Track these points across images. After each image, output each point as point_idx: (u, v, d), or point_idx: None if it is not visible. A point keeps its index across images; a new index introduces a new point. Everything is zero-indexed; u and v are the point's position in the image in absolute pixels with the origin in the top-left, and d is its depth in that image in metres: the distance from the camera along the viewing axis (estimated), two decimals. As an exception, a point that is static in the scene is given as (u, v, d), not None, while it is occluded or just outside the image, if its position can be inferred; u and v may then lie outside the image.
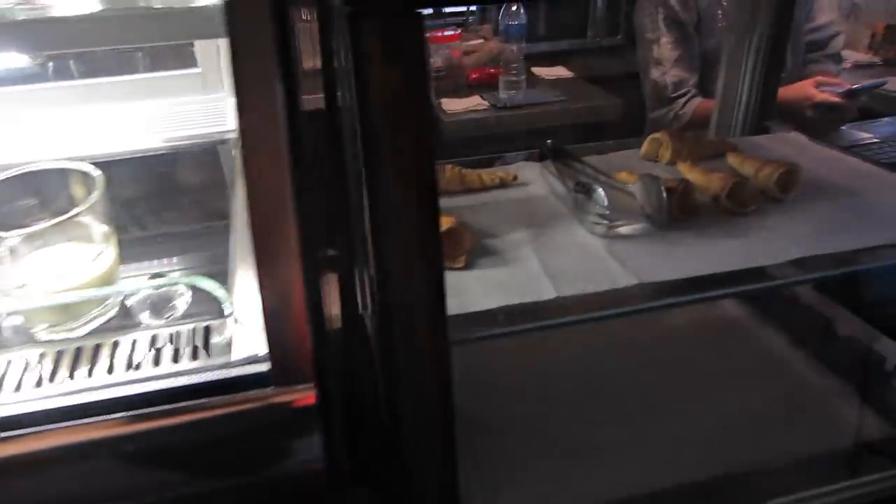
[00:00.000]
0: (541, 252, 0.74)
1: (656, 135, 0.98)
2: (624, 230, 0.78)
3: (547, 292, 0.66)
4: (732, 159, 0.94)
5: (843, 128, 1.45)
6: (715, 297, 0.67)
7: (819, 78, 1.32)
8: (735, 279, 0.68)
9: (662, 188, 0.76)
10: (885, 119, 1.47)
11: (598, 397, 0.90)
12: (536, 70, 2.62)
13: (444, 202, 0.87)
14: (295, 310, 0.44)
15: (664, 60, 1.42)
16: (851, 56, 2.32)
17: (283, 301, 0.44)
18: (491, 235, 0.79)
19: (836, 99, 1.28)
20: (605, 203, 0.77)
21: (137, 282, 0.65)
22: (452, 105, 2.25)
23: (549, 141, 1.00)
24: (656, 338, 0.96)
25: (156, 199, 0.94)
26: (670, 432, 0.85)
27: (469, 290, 0.67)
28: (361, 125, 0.50)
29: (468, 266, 0.72)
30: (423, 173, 0.53)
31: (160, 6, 0.58)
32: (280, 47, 0.45)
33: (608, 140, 2.30)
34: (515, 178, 0.92)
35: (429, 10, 0.53)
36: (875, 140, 1.27)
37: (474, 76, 2.46)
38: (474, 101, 2.27)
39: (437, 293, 0.55)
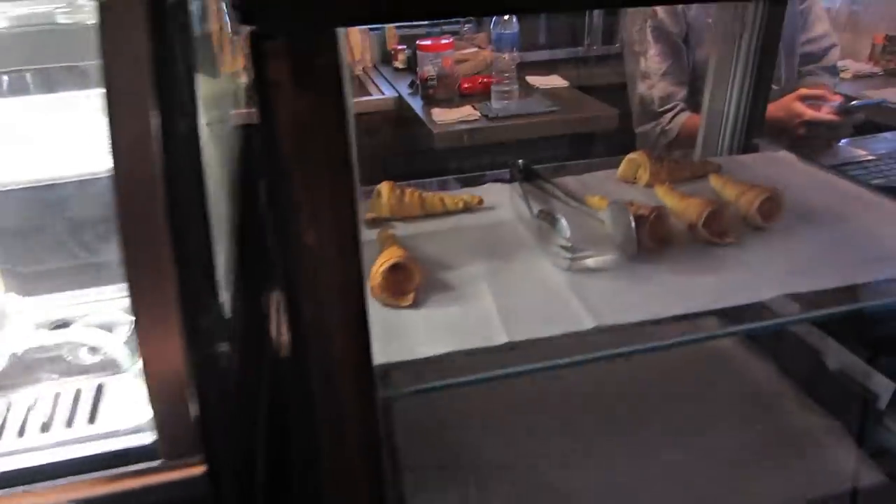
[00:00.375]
0: (498, 288, 0.68)
1: (634, 155, 0.92)
2: (591, 262, 0.72)
3: (498, 336, 0.60)
4: (715, 182, 0.88)
5: (843, 142, 1.38)
6: (678, 343, 0.61)
7: (803, 91, 1.26)
8: (701, 324, 0.62)
9: (631, 217, 0.70)
10: (885, 135, 1.40)
11: (569, 439, 0.84)
12: (531, 79, 2.57)
13: (401, 228, 0.83)
14: (177, 368, 0.39)
15: (651, 73, 1.37)
16: (852, 66, 2.26)
17: (164, 358, 0.39)
18: (447, 267, 0.73)
19: (827, 116, 1.21)
20: (568, 234, 0.72)
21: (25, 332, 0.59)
22: (443, 115, 2.20)
23: (519, 161, 0.94)
24: (632, 371, 0.90)
25: (103, 224, 0.89)
26: (649, 475, 0.79)
27: (413, 333, 0.62)
28: (269, 161, 0.45)
29: (416, 304, 0.66)
30: (342, 213, 0.47)
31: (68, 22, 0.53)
32: (157, 75, 0.40)
33: (601, 152, 2.25)
34: (481, 201, 0.86)
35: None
36: (871, 158, 1.21)
37: (467, 86, 2.41)
38: (466, 112, 2.22)
39: (362, 346, 0.50)
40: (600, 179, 0.95)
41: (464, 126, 2.16)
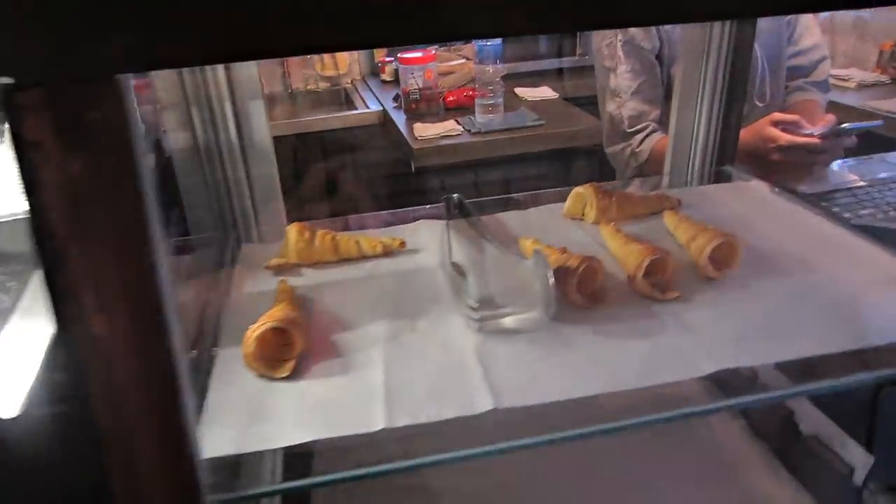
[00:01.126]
0: (395, 355, 0.59)
1: (580, 189, 0.82)
2: (507, 322, 0.63)
3: (375, 421, 0.51)
4: (669, 221, 0.78)
5: (837, 164, 1.26)
6: (587, 434, 0.52)
7: (776, 115, 1.14)
8: (618, 411, 0.52)
9: (549, 271, 0.60)
10: (889, 156, 1.27)
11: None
12: (520, 91, 2.48)
13: (310, 276, 0.74)
14: None
15: (621, 91, 1.26)
16: (857, 75, 2.14)
17: None
18: (344, 326, 0.64)
19: (803, 140, 1.10)
20: (474, 292, 0.62)
21: None
22: (424, 130, 2.11)
23: (455, 195, 0.85)
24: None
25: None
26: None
27: (279, 415, 0.52)
28: (35, 236, 0.36)
29: (295, 376, 0.57)
30: (138, 293, 0.38)
31: None
32: None
33: (588, 169, 2.13)
34: (402, 244, 0.77)
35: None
36: (862, 184, 1.09)
37: (451, 99, 2.32)
38: (448, 126, 2.13)
39: (176, 447, 0.41)
40: (546, 215, 0.85)
41: (445, 142, 2.07)
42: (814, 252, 0.72)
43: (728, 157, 0.99)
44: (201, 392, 0.57)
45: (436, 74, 2.28)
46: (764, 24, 1.28)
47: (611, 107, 1.31)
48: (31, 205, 0.36)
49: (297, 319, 0.59)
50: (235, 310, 0.68)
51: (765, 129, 1.13)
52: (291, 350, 0.58)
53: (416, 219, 0.85)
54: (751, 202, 0.86)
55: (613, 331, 0.61)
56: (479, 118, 2.15)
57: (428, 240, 0.79)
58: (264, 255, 0.77)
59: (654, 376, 0.54)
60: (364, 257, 0.76)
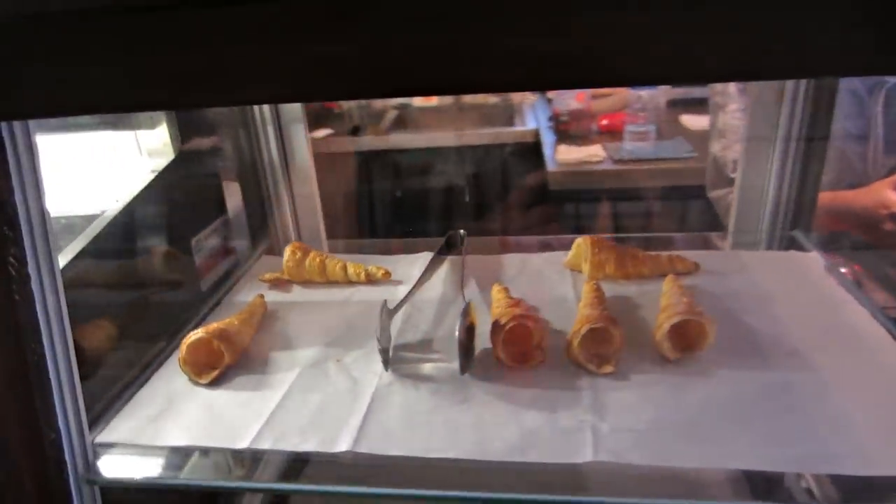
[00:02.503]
0: (304, 382, 0.62)
1: (579, 240, 0.77)
2: (425, 368, 0.62)
3: (242, 440, 0.54)
4: (665, 286, 0.70)
5: None
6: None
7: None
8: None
9: (459, 321, 0.59)
10: None
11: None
12: (686, 118, 2.31)
13: (296, 293, 0.79)
14: None
15: (728, 132, 1.13)
16: None
17: None
18: (286, 346, 0.68)
19: None
20: (386, 334, 0.63)
21: None
22: (567, 153, 2.07)
23: (460, 231, 0.85)
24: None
25: None
26: None
27: (178, 417, 0.58)
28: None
29: (216, 383, 0.63)
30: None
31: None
32: None
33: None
34: (387, 274, 0.79)
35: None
36: None
37: (605, 123, 2.24)
38: (591, 151, 2.06)
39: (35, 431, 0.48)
40: (546, 263, 0.81)
41: (584, 168, 2.01)
42: (820, 350, 0.60)
43: (802, 220, 0.85)
44: (143, 383, 0.65)
45: (588, 97, 2.23)
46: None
47: (715, 147, 1.18)
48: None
49: (231, 333, 0.65)
50: (217, 312, 0.76)
51: (882, 191, 0.95)
52: (219, 361, 0.64)
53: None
54: (790, 278, 0.74)
55: (518, 397, 0.57)
56: (627, 144, 2.06)
57: (415, 274, 0.80)
58: (276, 267, 0.83)
59: (521, 454, 0.50)
60: (349, 282, 0.79)
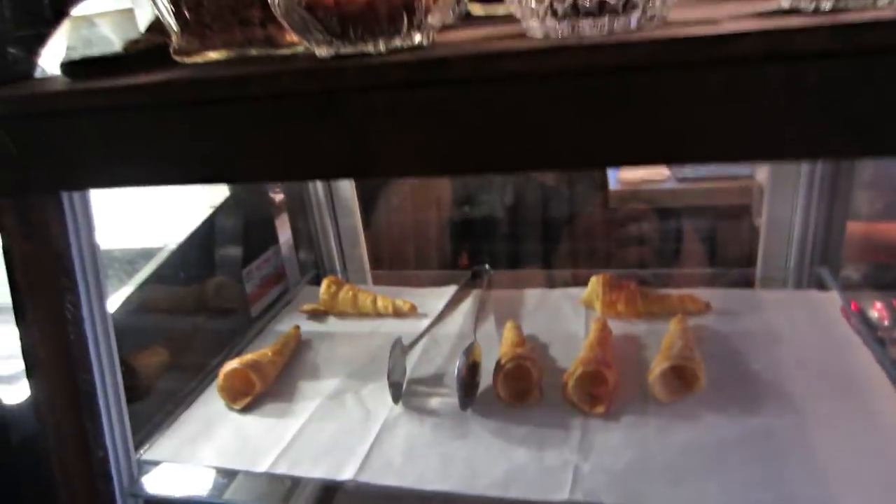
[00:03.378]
0: (323, 410, 0.68)
1: (594, 278, 0.80)
2: (432, 403, 0.67)
3: (262, 464, 0.61)
4: (672, 327, 0.72)
5: None
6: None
7: None
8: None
9: (460, 360, 0.64)
10: None
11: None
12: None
13: (331, 324, 0.86)
14: None
15: (769, 160, 1.11)
16: None
17: None
18: (314, 376, 0.75)
19: None
20: (399, 362, 0.68)
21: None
22: (632, 172, 2.05)
23: (485, 265, 0.90)
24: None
25: None
26: None
27: (212, 440, 0.66)
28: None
29: (248, 409, 0.70)
30: (57, 340, 0.55)
31: None
32: None
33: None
34: (413, 308, 0.85)
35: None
36: None
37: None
38: (657, 170, 2.04)
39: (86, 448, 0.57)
40: (563, 299, 0.84)
41: (645, 186, 2.00)
42: (813, 396, 0.61)
43: (831, 256, 0.84)
44: (189, 404, 0.73)
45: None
46: None
47: (760, 174, 1.16)
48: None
49: (263, 364, 0.72)
50: (261, 338, 0.84)
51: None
52: (252, 388, 0.71)
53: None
54: (802, 319, 0.73)
55: (512, 433, 0.61)
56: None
57: (439, 307, 0.85)
58: (318, 298, 0.91)
59: (504, 489, 0.55)
60: (377, 315, 0.86)
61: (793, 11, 0.38)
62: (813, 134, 0.36)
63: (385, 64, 0.39)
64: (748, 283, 0.90)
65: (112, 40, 0.93)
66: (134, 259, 0.87)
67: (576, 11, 0.38)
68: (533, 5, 0.39)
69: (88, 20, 0.98)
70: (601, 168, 1.07)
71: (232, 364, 0.71)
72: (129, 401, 0.63)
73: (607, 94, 0.37)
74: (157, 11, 0.54)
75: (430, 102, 0.40)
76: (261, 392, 0.71)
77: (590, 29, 0.38)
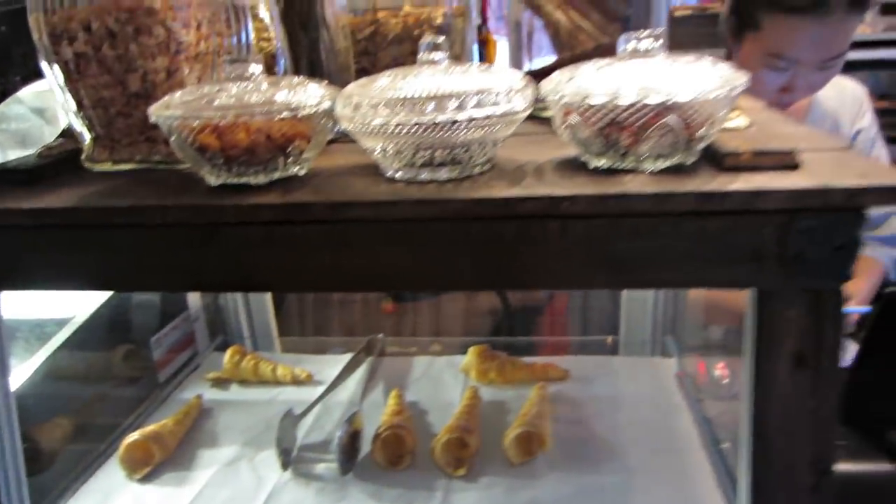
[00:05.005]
0: (218, 479, 0.75)
1: (473, 347, 0.91)
2: (319, 468, 0.76)
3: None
4: (532, 394, 0.83)
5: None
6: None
7: None
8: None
9: (343, 428, 0.72)
10: None
11: None
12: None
13: (233, 391, 0.93)
14: None
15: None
16: None
17: None
18: (211, 444, 0.82)
19: None
20: (288, 431, 0.76)
21: None
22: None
23: (380, 335, 0.99)
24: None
25: None
26: None
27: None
28: None
29: (145, 479, 0.76)
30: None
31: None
32: None
33: None
34: (309, 376, 0.93)
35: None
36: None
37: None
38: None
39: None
40: (446, 366, 0.94)
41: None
42: (639, 454, 0.73)
43: (678, 323, 0.98)
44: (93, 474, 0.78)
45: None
46: None
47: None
48: None
49: (164, 434, 0.78)
50: (167, 406, 0.90)
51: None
52: (153, 458, 0.77)
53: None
54: (642, 384, 0.86)
55: (384, 496, 0.70)
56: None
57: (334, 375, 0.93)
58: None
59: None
60: (277, 383, 0.93)
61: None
62: (583, 271, 0.48)
63: (258, 205, 0.48)
64: (614, 349, 1.03)
65: (34, 127, 0.99)
66: (45, 328, 0.91)
67: (414, 164, 0.49)
68: (382, 159, 0.50)
69: (16, 98, 1.03)
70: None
71: (133, 436, 0.77)
72: (31, 473, 0.68)
73: (430, 236, 0.48)
74: (70, 123, 0.62)
75: (295, 236, 0.49)
76: (160, 462, 0.77)
77: (427, 174, 0.49)
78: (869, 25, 2.80)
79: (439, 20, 0.70)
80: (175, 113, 0.50)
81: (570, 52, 0.75)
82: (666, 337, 0.97)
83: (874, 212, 1.23)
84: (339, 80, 0.70)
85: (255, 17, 0.73)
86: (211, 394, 0.92)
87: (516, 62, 0.81)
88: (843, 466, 0.69)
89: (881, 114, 2.84)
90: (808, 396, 0.48)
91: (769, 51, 1.04)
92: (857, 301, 1.13)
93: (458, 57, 0.72)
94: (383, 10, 0.69)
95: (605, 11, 0.75)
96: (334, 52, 0.71)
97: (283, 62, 0.71)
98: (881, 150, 1.26)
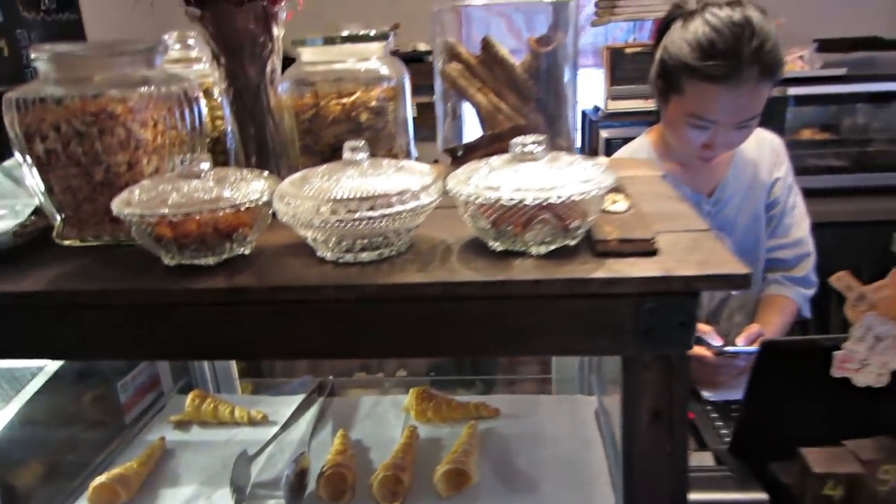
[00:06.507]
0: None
1: (413, 389, 1.00)
2: (270, 505, 0.84)
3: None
4: (465, 429, 0.92)
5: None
6: None
7: (701, 326, 1.16)
8: None
9: (289, 467, 0.81)
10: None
11: None
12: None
13: (195, 433, 1.00)
14: None
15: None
16: None
17: None
18: (172, 483, 0.89)
19: (708, 355, 1.12)
20: (243, 470, 0.84)
21: None
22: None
23: (330, 377, 1.08)
24: None
25: None
26: None
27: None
28: None
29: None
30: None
31: None
32: None
33: None
34: (265, 417, 1.01)
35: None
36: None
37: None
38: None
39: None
40: (391, 406, 1.03)
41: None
42: (554, 487, 0.82)
43: (602, 362, 1.08)
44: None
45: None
46: (740, 223, 1.33)
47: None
48: None
49: (129, 476, 0.86)
50: (132, 447, 0.98)
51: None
52: (119, 499, 0.85)
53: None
54: (565, 421, 0.96)
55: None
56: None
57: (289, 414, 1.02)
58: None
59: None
60: (236, 423, 1.01)
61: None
62: (478, 342, 0.57)
63: (206, 289, 0.57)
64: (547, 387, 1.13)
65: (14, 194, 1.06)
66: (18, 376, 0.99)
67: (341, 249, 0.58)
68: (313, 244, 0.60)
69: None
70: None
71: (100, 478, 0.85)
72: (6, 515, 0.75)
73: (350, 314, 0.57)
74: (42, 204, 0.70)
75: (239, 314, 0.58)
76: (126, 502, 0.85)
77: (351, 257, 0.58)
78: (808, 63, 2.99)
79: (373, 103, 0.79)
80: (135, 210, 0.58)
81: (492, 130, 0.86)
82: (591, 375, 1.07)
83: (790, 254, 1.36)
84: (284, 157, 0.80)
85: (209, 96, 0.83)
86: (173, 435, 0.99)
87: (448, 137, 0.91)
88: (725, 496, 0.79)
89: (820, 144, 3.02)
90: (665, 442, 0.58)
91: (691, 112, 1.16)
92: (770, 334, 1.25)
93: (392, 135, 0.81)
94: (324, 93, 0.78)
95: (520, 95, 0.86)
96: (280, 132, 0.80)
97: (231, 141, 0.80)
98: (797, 197, 1.38)
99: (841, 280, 0.78)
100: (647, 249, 0.58)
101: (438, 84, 0.88)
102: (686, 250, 0.58)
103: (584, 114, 2.77)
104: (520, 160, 0.60)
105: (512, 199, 0.55)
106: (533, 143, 0.60)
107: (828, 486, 0.74)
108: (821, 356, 0.78)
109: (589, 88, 3.01)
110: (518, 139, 0.61)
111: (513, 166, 0.59)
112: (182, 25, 0.81)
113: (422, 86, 0.92)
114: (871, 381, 0.77)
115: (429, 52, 2.55)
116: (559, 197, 0.55)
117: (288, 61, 0.78)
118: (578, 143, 1.28)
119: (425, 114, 0.90)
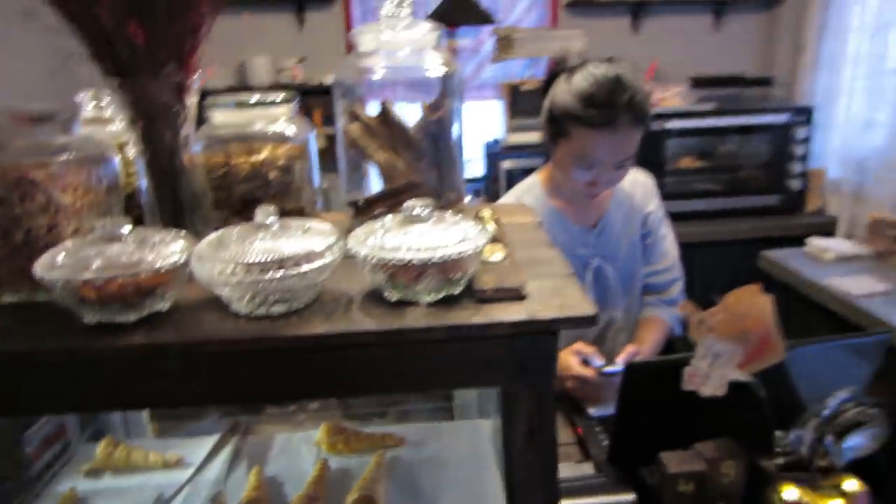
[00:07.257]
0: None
1: (324, 424, 1.07)
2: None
3: None
4: (373, 459, 1.00)
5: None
6: None
7: (578, 345, 1.31)
8: None
9: (207, 513, 0.86)
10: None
11: None
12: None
13: (107, 480, 1.03)
14: None
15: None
16: (837, 247, 2.36)
17: None
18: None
19: (589, 374, 1.26)
20: None
21: None
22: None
23: (242, 417, 1.13)
24: None
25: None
26: None
27: None
28: None
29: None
30: None
31: None
32: None
33: None
34: (180, 460, 1.05)
35: None
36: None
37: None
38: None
39: None
40: (303, 441, 1.10)
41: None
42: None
43: (495, 390, 1.19)
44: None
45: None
46: (621, 251, 1.49)
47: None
48: None
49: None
50: (42, 499, 0.99)
51: (562, 356, 1.31)
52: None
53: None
54: (464, 447, 1.06)
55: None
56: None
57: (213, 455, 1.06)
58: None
59: None
60: (150, 468, 1.04)
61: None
62: (379, 382, 0.66)
63: (126, 347, 0.63)
64: (451, 413, 1.23)
65: None
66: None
67: (253, 303, 0.66)
68: (228, 300, 0.67)
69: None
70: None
71: (14, 531, 0.86)
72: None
73: (261, 364, 0.65)
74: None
75: (160, 368, 0.64)
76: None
77: (263, 311, 0.66)
78: (684, 98, 3.30)
79: (281, 161, 0.86)
80: (60, 275, 0.63)
81: (390, 186, 0.96)
82: (486, 402, 1.18)
83: (662, 279, 1.53)
84: (198, 211, 0.86)
85: (122, 151, 0.88)
86: (85, 484, 1.01)
87: (350, 188, 1.00)
88: (599, 499, 0.91)
89: (695, 171, 3.32)
90: (538, 457, 0.69)
91: (576, 154, 1.32)
92: (644, 353, 1.41)
93: (299, 189, 0.89)
94: (235, 152, 0.84)
95: (414, 153, 0.96)
96: (193, 189, 0.86)
97: (145, 195, 0.85)
98: (667, 229, 1.57)
99: (685, 308, 0.93)
100: (517, 296, 0.69)
101: (341, 140, 0.97)
102: (550, 294, 0.69)
103: (487, 146, 2.93)
104: (410, 222, 0.70)
105: (402, 259, 0.65)
106: (421, 206, 0.70)
107: (681, 483, 0.87)
108: (674, 373, 0.92)
109: (490, 119, 3.19)
110: (409, 203, 0.71)
111: (403, 228, 0.69)
112: (95, 83, 0.86)
113: (330, 116, 1.00)
114: (713, 392, 0.91)
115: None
116: (441, 257, 0.65)
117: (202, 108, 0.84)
118: (468, 198, 1.41)
119: (334, 146, 0.98)
